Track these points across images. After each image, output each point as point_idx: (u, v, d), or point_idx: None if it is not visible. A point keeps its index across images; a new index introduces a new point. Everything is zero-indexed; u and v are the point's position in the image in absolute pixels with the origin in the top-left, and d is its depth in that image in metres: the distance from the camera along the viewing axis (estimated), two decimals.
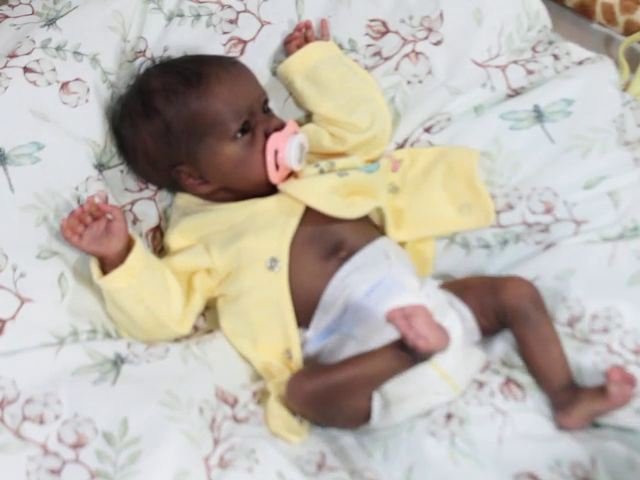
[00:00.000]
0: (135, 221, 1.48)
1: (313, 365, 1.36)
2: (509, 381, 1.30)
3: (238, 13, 1.58)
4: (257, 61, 1.55)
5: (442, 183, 1.50)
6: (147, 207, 1.50)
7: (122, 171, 1.51)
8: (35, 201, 1.36)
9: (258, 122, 1.43)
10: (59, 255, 1.35)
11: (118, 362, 1.27)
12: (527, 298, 1.32)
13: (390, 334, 1.23)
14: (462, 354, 1.31)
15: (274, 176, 1.42)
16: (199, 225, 1.42)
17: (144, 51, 1.56)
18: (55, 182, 1.38)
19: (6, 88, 1.41)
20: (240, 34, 1.57)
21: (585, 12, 1.80)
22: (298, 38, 1.56)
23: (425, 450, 1.24)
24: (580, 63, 1.56)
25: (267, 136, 1.42)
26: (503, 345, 1.35)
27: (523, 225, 1.44)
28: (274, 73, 1.58)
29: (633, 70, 1.67)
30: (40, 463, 1.17)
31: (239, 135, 1.42)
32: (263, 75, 1.55)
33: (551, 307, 1.34)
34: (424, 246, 1.48)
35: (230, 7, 1.58)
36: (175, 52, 1.56)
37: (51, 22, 1.51)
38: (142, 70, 1.54)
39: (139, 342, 1.33)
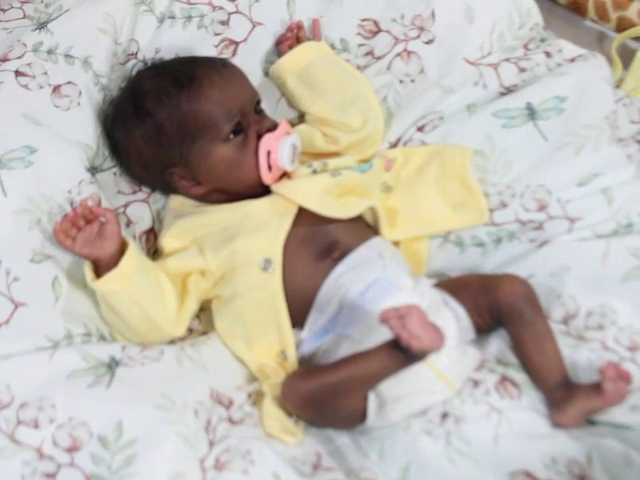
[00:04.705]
0: (128, 224, 1.48)
1: (308, 366, 1.36)
2: (504, 379, 1.30)
3: (229, 14, 1.58)
4: (249, 62, 1.55)
5: (435, 182, 1.49)
6: (140, 209, 1.50)
7: (115, 174, 1.51)
8: (28, 205, 1.35)
9: (250, 123, 1.43)
10: (52, 259, 1.35)
11: (113, 365, 1.27)
12: (521, 296, 1.32)
13: (385, 334, 1.23)
14: (457, 353, 1.31)
15: (267, 177, 1.42)
16: (193, 227, 1.42)
17: (136, 53, 1.56)
18: (48, 186, 1.38)
19: None
20: (232, 35, 1.57)
21: (577, 9, 1.80)
22: (290, 39, 1.56)
23: (421, 449, 1.24)
24: (572, 60, 1.56)
25: (259, 137, 1.42)
26: (498, 343, 1.35)
27: (517, 223, 1.44)
28: (266, 74, 1.58)
29: (626, 67, 1.67)
30: (35, 467, 1.16)
31: (231, 136, 1.42)
32: (255, 76, 1.55)
33: (546, 304, 1.34)
34: (418, 245, 1.48)
35: (221, 8, 1.58)
36: (167, 54, 1.55)
37: (42, 25, 1.51)
38: (134, 72, 1.54)
39: (133, 345, 1.33)
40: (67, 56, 1.49)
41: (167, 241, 1.42)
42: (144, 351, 1.31)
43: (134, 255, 1.33)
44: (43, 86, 1.45)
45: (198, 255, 1.39)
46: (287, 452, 1.26)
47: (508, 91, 1.54)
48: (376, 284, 1.34)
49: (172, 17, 1.58)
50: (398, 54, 1.56)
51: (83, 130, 1.46)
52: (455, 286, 1.38)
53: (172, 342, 1.37)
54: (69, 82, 1.47)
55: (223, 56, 1.56)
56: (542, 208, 1.44)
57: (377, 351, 1.25)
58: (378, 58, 1.57)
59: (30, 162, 1.38)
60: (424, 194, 1.49)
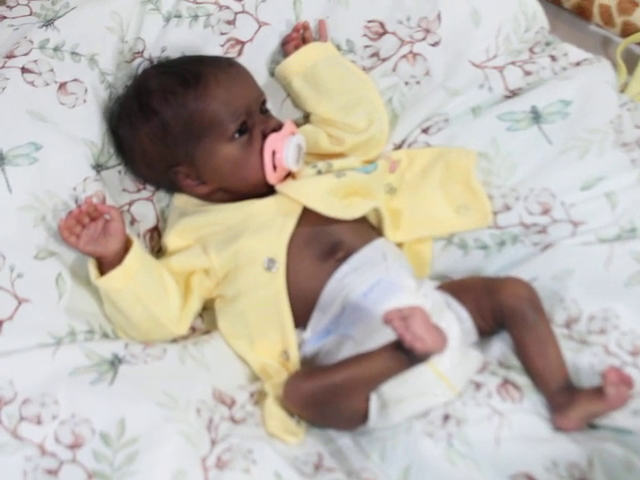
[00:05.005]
0: (133, 222, 1.48)
1: (310, 366, 1.36)
2: (506, 382, 1.30)
3: (236, 14, 1.58)
4: (255, 62, 1.55)
5: (440, 184, 1.50)
6: (145, 208, 1.50)
7: (120, 172, 1.50)
8: (33, 201, 1.35)
9: (256, 123, 1.43)
10: (57, 255, 1.34)
11: (115, 362, 1.27)
12: (524, 299, 1.33)
13: (387, 335, 1.23)
14: (459, 355, 1.31)
15: (272, 177, 1.42)
16: (197, 226, 1.42)
17: (142, 52, 1.56)
18: (53, 182, 1.38)
19: (4, 89, 1.41)
20: (238, 35, 1.57)
21: (582, 13, 1.80)
22: (296, 39, 1.56)
23: (422, 451, 1.25)
24: (577, 64, 1.56)
25: (265, 137, 1.42)
26: (500, 346, 1.35)
27: (520, 226, 1.45)
28: (272, 74, 1.58)
29: (630, 71, 1.67)
30: (37, 463, 1.16)
31: (237, 136, 1.42)
32: (261, 76, 1.55)
33: (548, 308, 1.35)
34: (422, 247, 1.48)
35: (228, 8, 1.58)
36: (173, 53, 1.55)
37: (49, 23, 1.51)
38: (140, 71, 1.54)
39: (136, 342, 1.33)
40: (73, 53, 1.49)
41: (171, 239, 1.42)
42: (147, 349, 1.31)
43: (138, 253, 1.34)
44: (49, 83, 1.45)
45: (202, 254, 1.39)
46: (289, 452, 1.26)
47: (513, 94, 1.54)
48: (379, 285, 1.35)
49: (178, 16, 1.57)
50: (404, 56, 1.56)
51: (88, 128, 1.46)
52: (458, 288, 1.38)
53: (175, 341, 1.37)
54: (75, 79, 1.47)
55: (229, 56, 1.56)
56: (546, 212, 1.44)
57: (380, 352, 1.25)
58: (384, 60, 1.57)
59: (35, 159, 1.38)
60: (428, 196, 1.49)
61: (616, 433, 1.25)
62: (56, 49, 1.48)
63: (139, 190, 1.52)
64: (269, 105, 1.50)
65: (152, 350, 1.31)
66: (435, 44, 1.56)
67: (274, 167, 1.42)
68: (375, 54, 1.58)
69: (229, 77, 1.44)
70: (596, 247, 1.39)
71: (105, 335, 1.34)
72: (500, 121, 1.50)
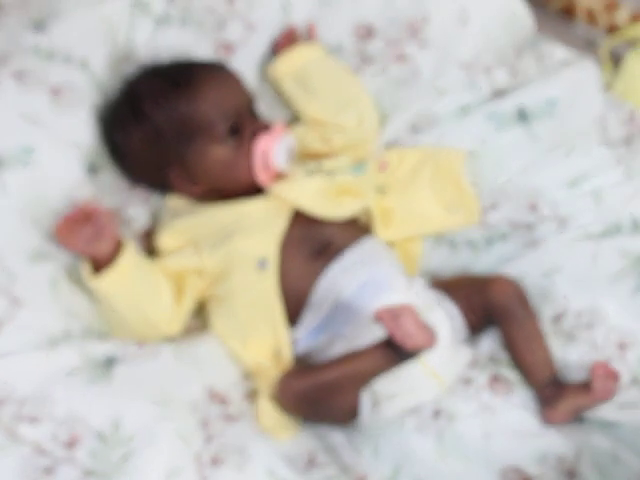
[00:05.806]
0: (126, 223, 1.48)
1: (303, 364, 1.37)
2: (496, 378, 1.32)
3: (226, 17, 1.59)
4: (245, 64, 1.56)
5: (429, 183, 1.51)
6: (138, 209, 1.50)
7: (113, 174, 1.51)
8: (27, 204, 1.35)
9: (246, 124, 1.43)
10: (51, 258, 1.35)
11: (110, 362, 1.28)
12: (513, 296, 1.35)
13: (378, 333, 1.25)
14: (449, 352, 1.33)
15: (262, 177, 1.43)
16: (189, 226, 1.43)
17: (133, 55, 1.57)
18: (46, 186, 1.38)
19: None
20: (228, 38, 1.58)
21: (568, 13, 1.82)
22: (285, 41, 1.57)
23: (414, 446, 1.27)
24: (563, 64, 1.57)
25: (255, 138, 1.43)
26: (490, 342, 1.37)
27: (508, 224, 1.46)
28: (262, 76, 1.58)
29: (615, 70, 1.69)
30: (34, 462, 1.17)
31: (227, 137, 1.42)
32: (251, 77, 1.55)
33: (537, 304, 1.37)
34: (412, 245, 1.50)
35: (218, 11, 1.59)
36: (164, 56, 1.56)
37: (41, 27, 1.51)
38: (131, 74, 1.54)
39: (131, 342, 1.33)
40: (65, 57, 1.48)
41: (164, 240, 1.43)
42: (141, 348, 1.32)
43: (131, 254, 1.35)
44: (41, 87, 1.45)
45: (194, 254, 1.40)
46: (282, 449, 1.28)
47: (500, 94, 1.55)
48: (370, 284, 1.36)
49: (169, 19, 1.58)
50: (392, 57, 1.57)
51: (81, 131, 1.46)
52: (448, 286, 1.40)
53: (169, 340, 1.38)
54: (67, 83, 1.47)
55: (219, 59, 1.57)
56: (533, 209, 1.46)
57: (371, 350, 1.27)
58: (373, 61, 1.58)
59: (29, 162, 1.37)
60: (418, 195, 1.50)
61: (603, 426, 1.27)
62: (48, 53, 1.48)
63: (132, 192, 1.52)
64: (259, 106, 1.51)
65: (147, 349, 1.32)
66: (423, 45, 1.57)
67: (264, 168, 1.43)
68: (364, 55, 1.59)
69: (219, 80, 1.44)
70: (583, 243, 1.41)
71: (100, 335, 1.35)
72: (488, 120, 1.52)
